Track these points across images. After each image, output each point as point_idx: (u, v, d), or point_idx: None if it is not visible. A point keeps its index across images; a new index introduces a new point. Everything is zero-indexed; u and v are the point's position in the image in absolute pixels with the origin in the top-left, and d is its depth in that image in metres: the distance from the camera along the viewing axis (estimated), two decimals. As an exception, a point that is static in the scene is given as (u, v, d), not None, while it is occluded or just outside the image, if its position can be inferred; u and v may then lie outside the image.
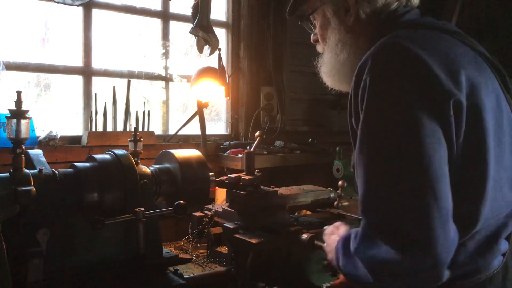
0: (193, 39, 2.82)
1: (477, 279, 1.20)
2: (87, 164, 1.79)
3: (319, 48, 1.54)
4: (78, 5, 2.49)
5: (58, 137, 2.44)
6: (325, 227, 1.53)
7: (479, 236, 1.19)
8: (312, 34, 1.55)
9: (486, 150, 1.15)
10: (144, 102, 2.90)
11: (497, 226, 1.22)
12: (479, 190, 1.14)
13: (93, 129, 2.63)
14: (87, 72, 2.69)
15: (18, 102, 1.61)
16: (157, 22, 2.98)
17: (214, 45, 2.72)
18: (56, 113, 2.61)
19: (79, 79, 2.69)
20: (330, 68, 1.47)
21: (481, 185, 1.14)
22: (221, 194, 2.51)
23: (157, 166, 2.02)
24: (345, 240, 1.24)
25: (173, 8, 3.01)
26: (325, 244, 1.48)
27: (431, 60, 1.13)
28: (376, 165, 1.12)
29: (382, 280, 1.13)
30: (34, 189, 1.53)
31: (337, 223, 1.49)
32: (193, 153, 2.07)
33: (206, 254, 2.17)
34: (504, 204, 1.21)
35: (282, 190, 2.28)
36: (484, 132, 1.15)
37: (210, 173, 2.04)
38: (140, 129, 2.75)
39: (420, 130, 1.07)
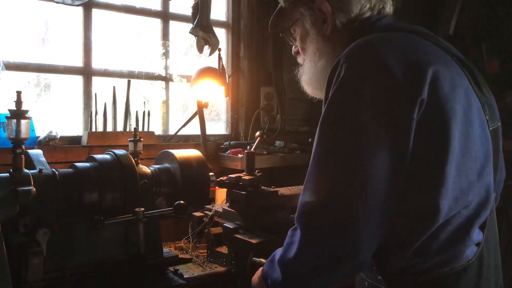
0: (193, 39, 2.82)
1: (451, 269, 1.22)
2: (87, 164, 1.79)
3: (299, 59, 1.61)
4: (77, 5, 2.49)
5: (58, 137, 2.44)
6: None
7: (451, 226, 1.22)
8: (294, 47, 1.62)
9: (447, 141, 1.18)
10: (144, 102, 2.90)
11: (468, 216, 1.24)
12: (437, 182, 1.17)
13: (93, 129, 2.63)
14: (87, 72, 2.69)
15: (18, 102, 1.61)
16: (157, 22, 2.98)
17: (214, 45, 2.72)
18: (56, 113, 2.61)
19: (79, 79, 2.69)
20: (310, 76, 1.54)
21: (439, 176, 1.17)
22: (221, 194, 2.51)
23: (157, 166, 2.02)
24: (271, 260, 1.35)
25: (173, 8, 3.01)
26: None
27: (396, 61, 1.17)
28: (319, 158, 1.20)
29: (287, 279, 1.24)
30: (34, 189, 1.53)
31: None
32: (193, 153, 2.07)
33: (206, 254, 2.17)
34: (473, 193, 1.24)
35: (282, 190, 2.28)
36: (448, 125, 1.18)
37: (210, 173, 2.04)
38: (140, 129, 2.75)
39: (364, 134, 1.13)
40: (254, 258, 1.71)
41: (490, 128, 1.31)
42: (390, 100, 1.15)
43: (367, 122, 1.13)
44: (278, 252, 1.32)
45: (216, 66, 2.78)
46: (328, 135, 1.20)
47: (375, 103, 1.15)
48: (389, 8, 1.46)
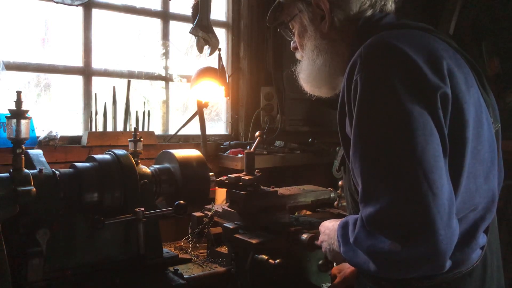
0: (193, 39, 2.82)
1: (457, 273, 1.22)
2: (87, 164, 1.79)
3: (298, 55, 1.59)
4: (77, 5, 2.49)
5: (58, 137, 2.43)
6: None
7: (459, 230, 1.19)
8: (292, 42, 1.60)
9: (465, 142, 1.17)
10: (144, 102, 2.90)
11: (474, 220, 1.23)
12: (453, 181, 1.13)
13: (93, 129, 2.63)
14: (87, 72, 2.69)
15: (18, 102, 1.61)
16: (157, 22, 2.98)
17: (214, 45, 2.72)
18: (56, 113, 2.61)
19: (79, 79, 2.69)
20: (308, 74, 1.52)
21: (456, 176, 1.15)
22: (221, 194, 2.51)
23: (157, 166, 2.03)
24: (343, 228, 1.26)
25: (173, 8, 3.01)
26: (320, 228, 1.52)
27: (416, 55, 1.15)
28: (372, 161, 1.13)
29: (382, 268, 1.14)
30: (34, 189, 1.53)
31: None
32: (193, 153, 2.07)
33: (206, 254, 2.17)
34: (479, 196, 1.23)
35: (282, 190, 2.28)
36: (465, 125, 1.17)
37: (210, 173, 2.04)
38: (140, 129, 2.75)
39: (412, 123, 1.09)
40: (255, 255, 1.71)
41: (494, 130, 1.30)
42: (422, 85, 1.12)
43: (409, 109, 1.09)
44: (354, 234, 1.17)
45: (216, 66, 2.78)
46: (375, 136, 1.14)
47: (410, 90, 1.11)
48: (390, 6, 1.44)
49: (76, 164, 1.77)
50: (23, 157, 1.61)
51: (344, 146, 1.32)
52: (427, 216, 1.03)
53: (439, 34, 1.33)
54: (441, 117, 1.12)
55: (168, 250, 1.93)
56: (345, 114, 1.25)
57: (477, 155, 1.21)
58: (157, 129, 2.96)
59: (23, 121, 1.60)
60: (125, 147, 2.09)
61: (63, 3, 2.43)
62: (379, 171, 1.11)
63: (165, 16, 2.99)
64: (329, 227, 1.47)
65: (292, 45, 1.61)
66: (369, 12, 1.40)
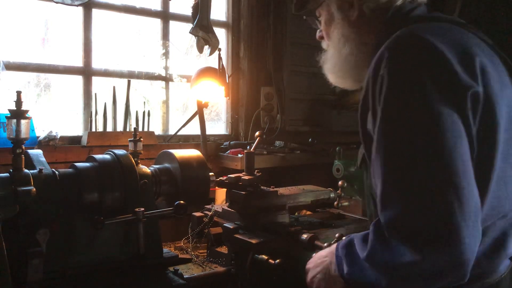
0: (193, 39, 2.82)
1: (483, 283, 1.16)
2: (87, 164, 1.79)
3: (324, 44, 1.53)
4: (77, 5, 2.49)
5: (58, 137, 2.44)
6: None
7: (486, 238, 1.14)
8: (318, 31, 1.54)
9: (495, 145, 1.11)
10: (144, 102, 2.90)
11: (504, 228, 1.18)
12: (481, 186, 1.08)
13: (93, 129, 2.63)
14: (87, 72, 2.69)
15: (18, 102, 1.61)
16: (157, 22, 2.98)
17: (214, 45, 2.72)
18: (56, 113, 2.61)
19: (79, 79, 2.69)
20: (333, 64, 1.46)
21: (484, 180, 1.10)
22: (221, 194, 2.51)
23: (157, 166, 2.02)
24: (348, 247, 1.20)
25: (173, 8, 3.01)
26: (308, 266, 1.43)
27: (448, 51, 1.10)
28: (396, 162, 1.08)
29: (400, 283, 1.09)
30: (34, 189, 1.53)
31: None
32: (193, 153, 2.07)
33: (206, 254, 2.17)
34: (509, 202, 1.17)
35: (282, 190, 2.28)
36: (495, 126, 1.11)
37: (210, 173, 2.04)
38: (140, 129, 2.75)
39: (440, 124, 1.03)
40: (255, 255, 1.71)
41: None
42: (452, 83, 1.06)
43: (438, 109, 1.03)
44: (367, 249, 1.13)
45: (216, 66, 2.78)
46: (400, 135, 1.08)
47: (439, 88, 1.05)
48: None
49: (76, 164, 1.77)
50: (23, 157, 1.61)
51: (365, 143, 1.26)
52: (452, 223, 0.98)
53: (473, 30, 1.26)
54: (470, 119, 1.07)
55: (168, 250, 1.93)
56: (367, 109, 1.19)
57: (509, 159, 1.14)
58: (157, 129, 2.96)
59: (23, 121, 1.60)
60: (125, 147, 2.09)
61: (63, 3, 2.43)
62: (402, 172, 1.06)
63: (165, 16, 2.99)
64: (321, 255, 1.37)
65: (318, 34, 1.54)
66: (399, 1, 1.33)
